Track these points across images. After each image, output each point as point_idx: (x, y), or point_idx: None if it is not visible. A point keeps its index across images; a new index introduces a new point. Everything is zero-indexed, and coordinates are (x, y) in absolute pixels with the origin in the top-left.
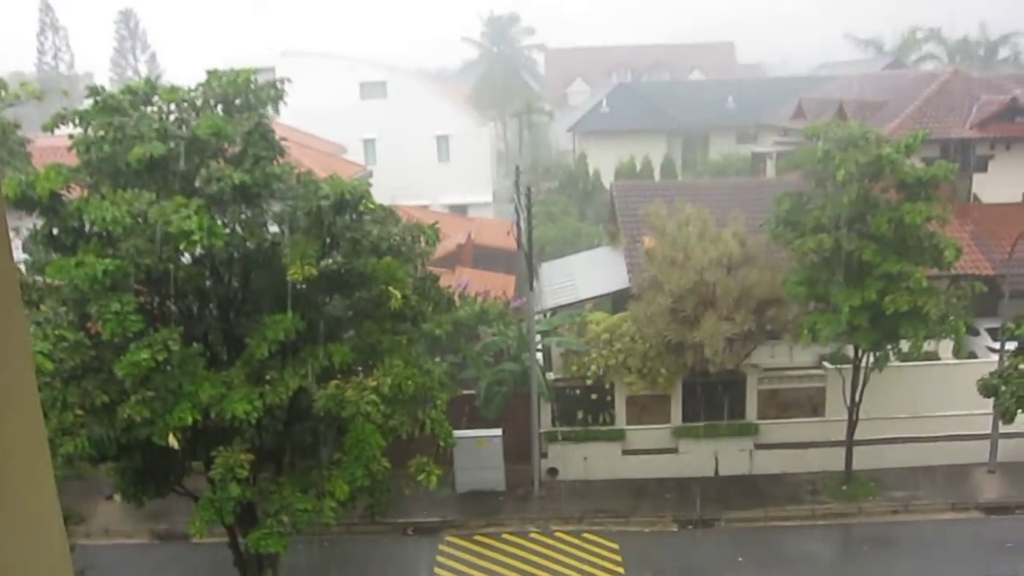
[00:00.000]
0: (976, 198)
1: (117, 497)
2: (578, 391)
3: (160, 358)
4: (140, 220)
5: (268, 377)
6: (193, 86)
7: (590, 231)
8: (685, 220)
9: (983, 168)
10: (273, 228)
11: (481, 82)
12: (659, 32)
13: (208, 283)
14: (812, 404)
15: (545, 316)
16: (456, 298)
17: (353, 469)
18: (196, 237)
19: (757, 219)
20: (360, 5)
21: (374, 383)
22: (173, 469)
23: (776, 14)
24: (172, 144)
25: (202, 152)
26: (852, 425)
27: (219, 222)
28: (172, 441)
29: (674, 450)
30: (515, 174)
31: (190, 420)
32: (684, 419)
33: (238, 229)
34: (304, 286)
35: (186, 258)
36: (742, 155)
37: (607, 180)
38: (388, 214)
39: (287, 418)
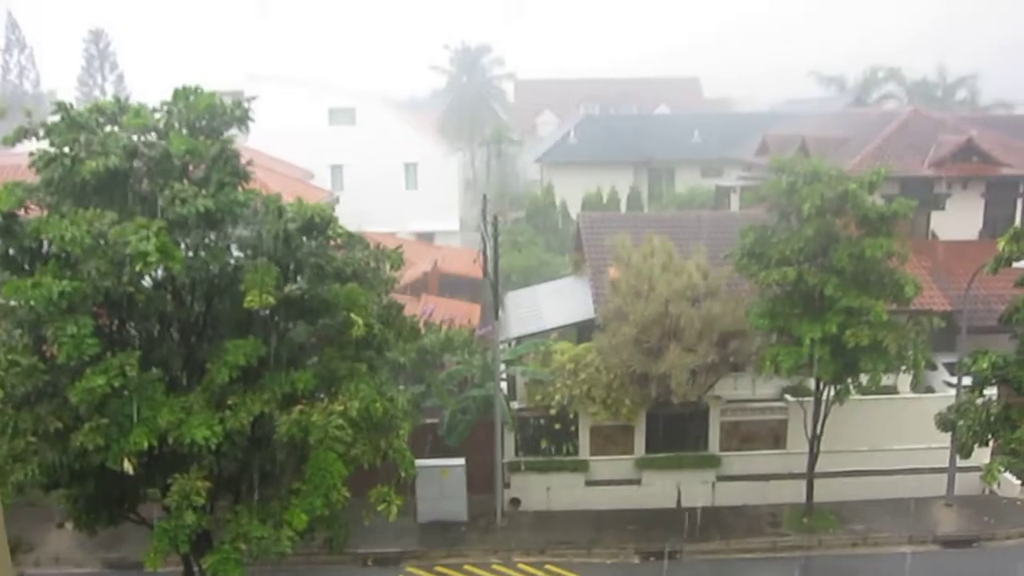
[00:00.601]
0: (934, 235)
1: (69, 525)
2: (542, 421)
3: (116, 384)
4: (101, 241)
5: (229, 402)
6: (158, 104)
7: (556, 261)
8: (650, 251)
9: (941, 206)
10: (237, 252)
11: (450, 110)
12: (626, 66)
13: (169, 306)
14: (774, 436)
15: (510, 345)
16: (421, 325)
17: (312, 499)
18: (152, 259)
19: (721, 251)
20: (331, 32)
21: (341, 407)
22: (128, 496)
23: (743, 51)
24: (137, 163)
25: (167, 173)
26: (813, 457)
27: (181, 244)
28: (127, 467)
29: (637, 481)
30: (482, 203)
31: (146, 445)
32: (647, 450)
33: (201, 253)
34: (267, 311)
35: (147, 281)
36: (707, 188)
37: (574, 210)
38: (355, 239)
39: (247, 445)
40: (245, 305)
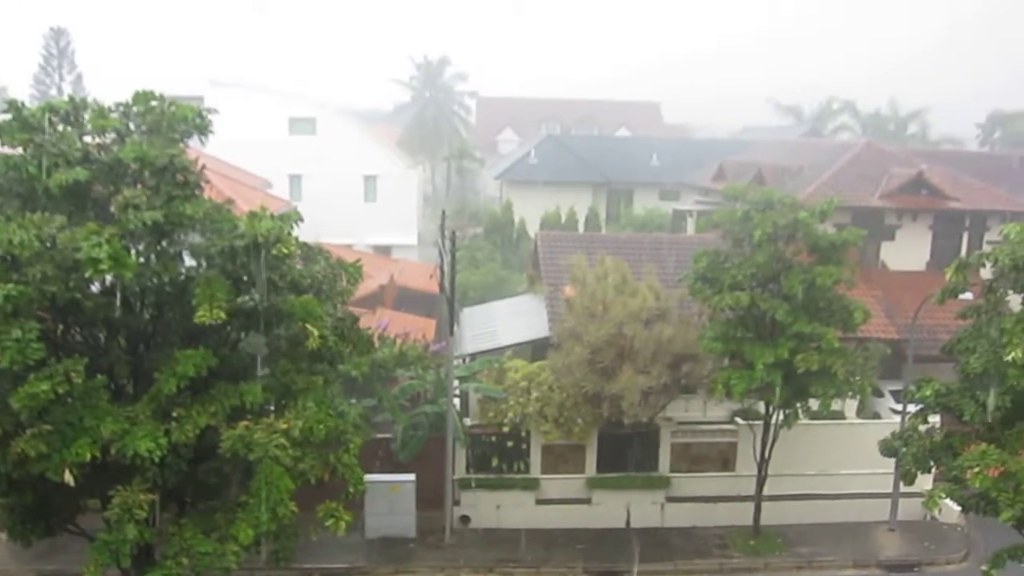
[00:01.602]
0: (884, 265)
1: (3, 535)
2: (494, 438)
3: (61, 391)
4: (48, 245)
5: (175, 414)
6: (113, 106)
7: (513, 278)
8: (605, 273)
9: (891, 237)
10: (190, 261)
11: (412, 124)
12: (588, 88)
13: (118, 313)
14: (723, 459)
15: (464, 361)
16: (375, 339)
17: (259, 513)
18: (104, 266)
19: (676, 274)
20: (295, 41)
21: (284, 426)
22: (67, 507)
23: (703, 79)
24: (93, 168)
25: (119, 178)
26: (761, 480)
27: (132, 251)
28: (68, 478)
29: (587, 501)
30: (441, 218)
31: (88, 456)
32: (598, 470)
33: (152, 261)
34: (218, 322)
35: (96, 287)
36: (664, 212)
37: (532, 229)
38: (313, 251)
39: (193, 457)
40: (196, 320)
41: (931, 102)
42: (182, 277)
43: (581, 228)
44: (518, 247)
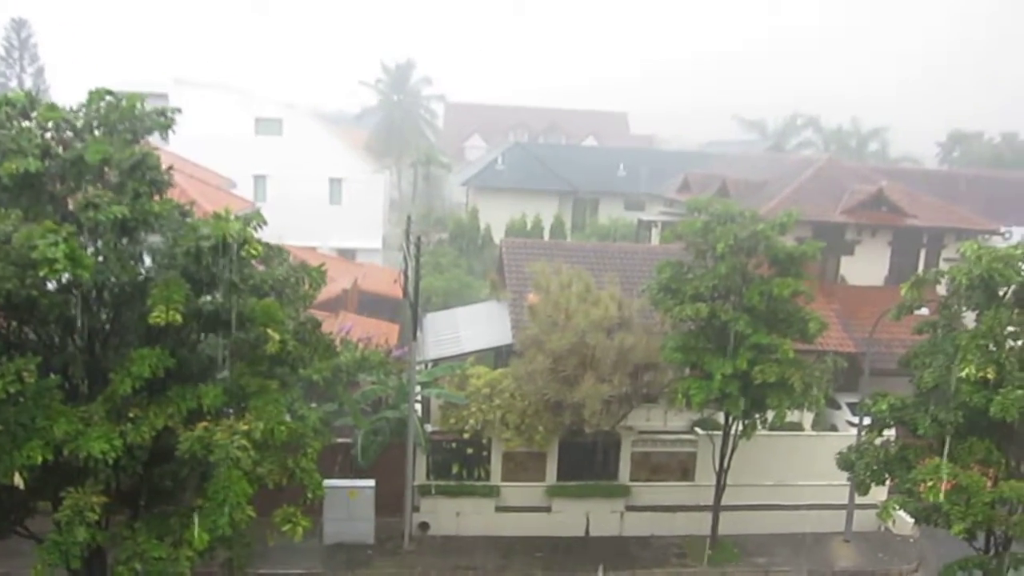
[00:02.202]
0: (843, 279)
1: None
2: (455, 445)
3: (12, 390)
4: (3, 241)
5: (131, 415)
6: (75, 106)
7: (478, 284)
8: (568, 281)
9: (850, 252)
10: (149, 261)
11: (379, 128)
12: (556, 96)
13: (74, 312)
14: (683, 468)
15: (427, 367)
16: (337, 343)
17: (215, 517)
18: (60, 266)
19: (639, 284)
20: (261, 42)
21: (245, 427)
22: (16, 509)
23: (670, 91)
24: (50, 163)
25: (80, 175)
26: (720, 490)
27: (90, 250)
28: (18, 480)
29: (547, 509)
30: (406, 222)
31: (40, 459)
32: (559, 478)
33: (111, 259)
34: (177, 323)
35: (53, 284)
36: (629, 221)
37: (498, 235)
38: (275, 253)
39: (148, 459)
40: (150, 321)
41: (892, 120)
42: (142, 277)
43: (546, 236)
44: (483, 253)
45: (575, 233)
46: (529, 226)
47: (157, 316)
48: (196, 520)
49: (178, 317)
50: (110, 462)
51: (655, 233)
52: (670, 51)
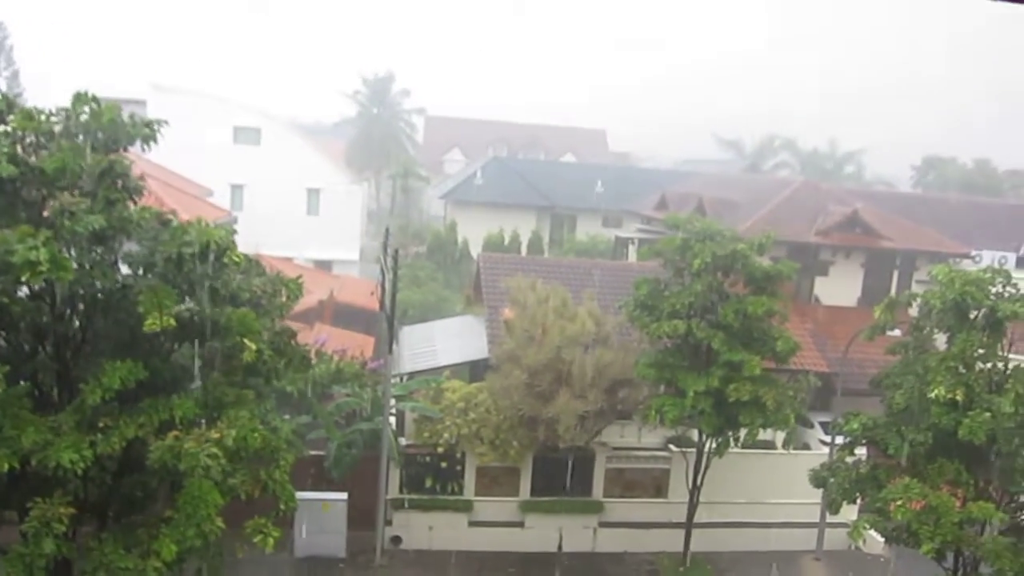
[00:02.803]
0: (817, 299)
1: None
2: (429, 458)
3: None
4: None
5: (101, 425)
6: (55, 109)
7: (454, 298)
8: (545, 296)
9: (825, 272)
10: (125, 269)
11: (358, 140)
12: (536, 112)
13: (46, 319)
14: (656, 485)
15: (402, 380)
16: (312, 355)
17: (184, 528)
18: (43, 268)
19: (616, 301)
20: (241, 49)
21: (217, 435)
22: None
23: (649, 109)
24: (23, 169)
25: (52, 183)
26: (692, 508)
27: (68, 255)
28: None
29: (520, 524)
30: (384, 235)
31: (7, 468)
32: (532, 493)
33: (87, 267)
34: (152, 332)
35: (24, 291)
36: (607, 238)
37: (476, 250)
38: (252, 264)
39: (118, 470)
40: (145, 329)
41: (868, 143)
42: (117, 285)
43: (524, 251)
44: (460, 268)
45: (553, 249)
46: (507, 241)
47: (151, 323)
48: (164, 531)
49: (172, 322)
50: (79, 472)
51: (632, 250)
52: (647, 68)
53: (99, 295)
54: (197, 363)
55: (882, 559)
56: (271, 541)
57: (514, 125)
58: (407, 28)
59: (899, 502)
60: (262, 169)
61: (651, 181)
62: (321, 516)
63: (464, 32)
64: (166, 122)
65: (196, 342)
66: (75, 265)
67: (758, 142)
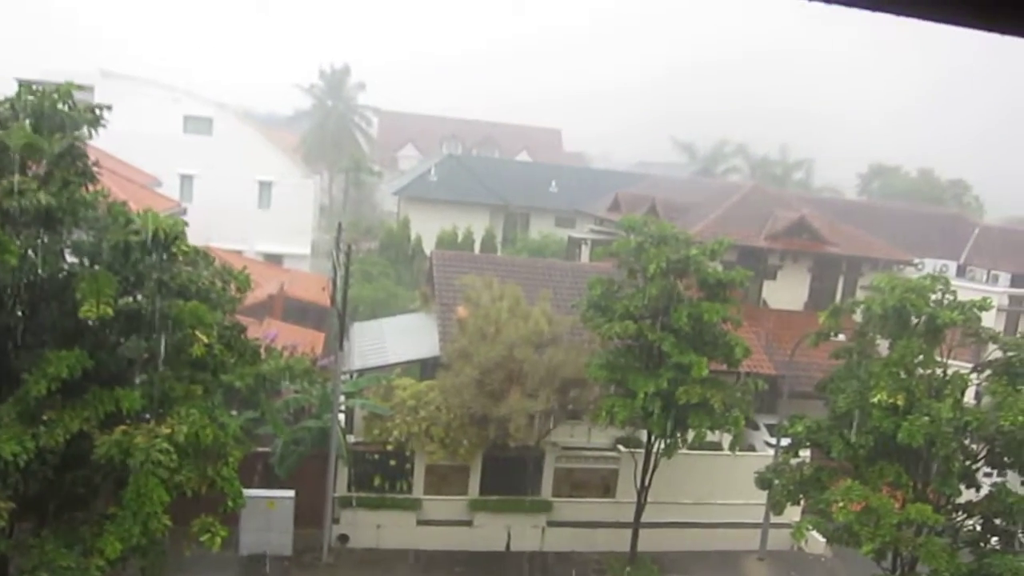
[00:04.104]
0: (765, 303)
1: None
2: (377, 456)
3: None
4: None
5: (45, 417)
6: (1, 98)
7: (406, 295)
8: (499, 295)
9: (773, 276)
10: (72, 258)
11: (311, 133)
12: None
13: None
14: (605, 485)
15: (352, 377)
16: (262, 350)
17: (129, 525)
18: None
19: (569, 301)
20: (195, 39)
21: (168, 430)
22: None
23: (603, 109)
24: None
25: (2, 166)
26: (640, 508)
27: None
28: None
29: (469, 523)
30: (337, 230)
31: None
32: (481, 492)
33: (32, 253)
34: (97, 323)
35: None
36: (560, 238)
37: (429, 247)
38: (200, 256)
39: (60, 464)
40: (81, 315)
41: (817, 152)
42: (62, 274)
43: (477, 249)
44: (413, 264)
45: (506, 247)
46: (460, 238)
47: (88, 310)
48: (108, 528)
49: (109, 311)
50: (20, 465)
51: (585, 250)
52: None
53: (44, 283)
54: (144, 356)
55: (823, 559)
56: (218, 540)
57: (469, 122)
58: (365, 22)
59: (841, 504)
60: (213, 160)
61: (604, 182)
62: (268, 514)
63: (419, 29)
64: (109, 107)
65: (143, 334)
66: (22, 251)
67: (711, 146)
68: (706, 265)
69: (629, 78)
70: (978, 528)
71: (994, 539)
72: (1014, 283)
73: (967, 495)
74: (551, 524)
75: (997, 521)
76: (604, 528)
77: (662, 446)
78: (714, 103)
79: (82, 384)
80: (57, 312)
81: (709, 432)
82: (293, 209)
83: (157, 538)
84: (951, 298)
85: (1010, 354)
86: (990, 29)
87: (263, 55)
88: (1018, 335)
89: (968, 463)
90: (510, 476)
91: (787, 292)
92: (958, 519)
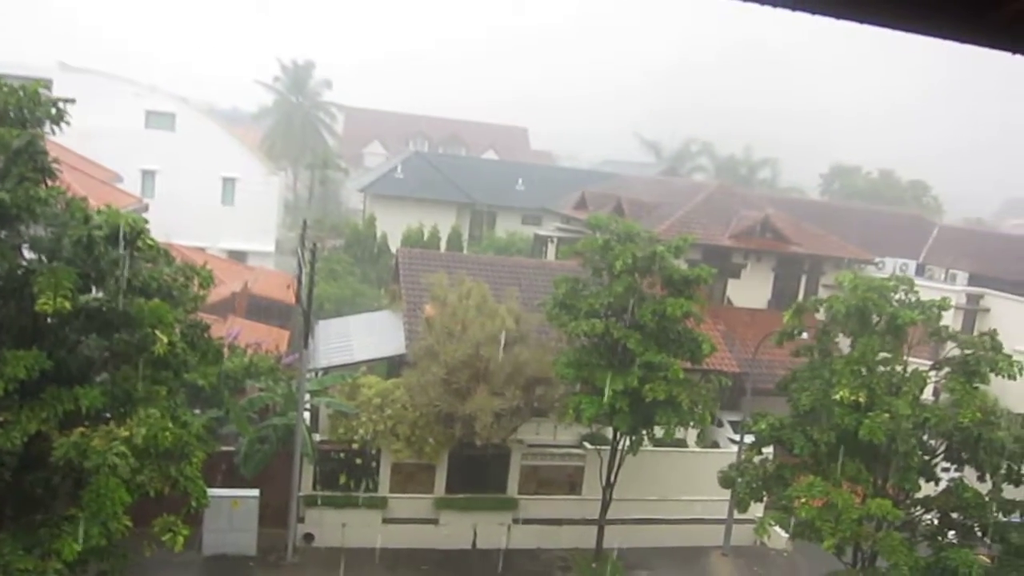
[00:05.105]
0: (729, 301)
1: None
2: (343, 455)
3: None
4: None
5: (1, 419)
6: None
7: (372, 293)
8: (465, 293)
9: (737, 275)
10: (30, 255)
11: (276, 129)
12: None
13: None
14: (571, 482)
15: (317, 375)
16: (225, 349)
17: (88, 527)
18: None
19: (535, 299)
20: (158, 33)
21: (126, 433)
22: None
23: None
24: None
25: None
26: (606, 505)
27: None
28: None
29: (435, 521)
30: (302, 227)
31: None
32: (447, 490)
33: None
34: (56, 321)
35: None
36: (526, 236)
37: (395, 244)
38: (161, 253)
39: (18, 466)
40: (37, 309)
41: (785, 151)
42: (21, 270)
43: (443, 247)
44: (379, 262)
45: (472, 245)
46: (426, 236)
47: (44, 303)
48: (66, 530)
49: (67, 305)
50: None
51: (551, 248)
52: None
53: (1, 281)
54: (104, 355)
55: (786, 554)
56: (180, 540)
57: (435, 119)
58: (333, 18)
59: (803, 500)
60: (176, 156)
61: (571, 181)
62: (231, 514)
63: (388, 26)
64: (72, 101)
65: (104, 333)
66: None
67: (678, 145)
68: (671, 263)
69: (597, 78)
70: (936, 522)
71: (951, 533)
72: (971, 282)
73: (925, 490)
74: (517, 522)
75: (954, 515)
76: (570, 525)
77: (628, 443)
78: (683, 104)
79: (40, 384)
80: (15, 310)
81: (675, 429)
82: (257, 206)
83: (117, 540)
84: (912, 298)
85: (967, 352)
86: (957, 40)
87: (229, 50)
88: (975, 333)
89: (927, 459)
90: (476, 474)
91: (751, 291)
92: (917, 514)
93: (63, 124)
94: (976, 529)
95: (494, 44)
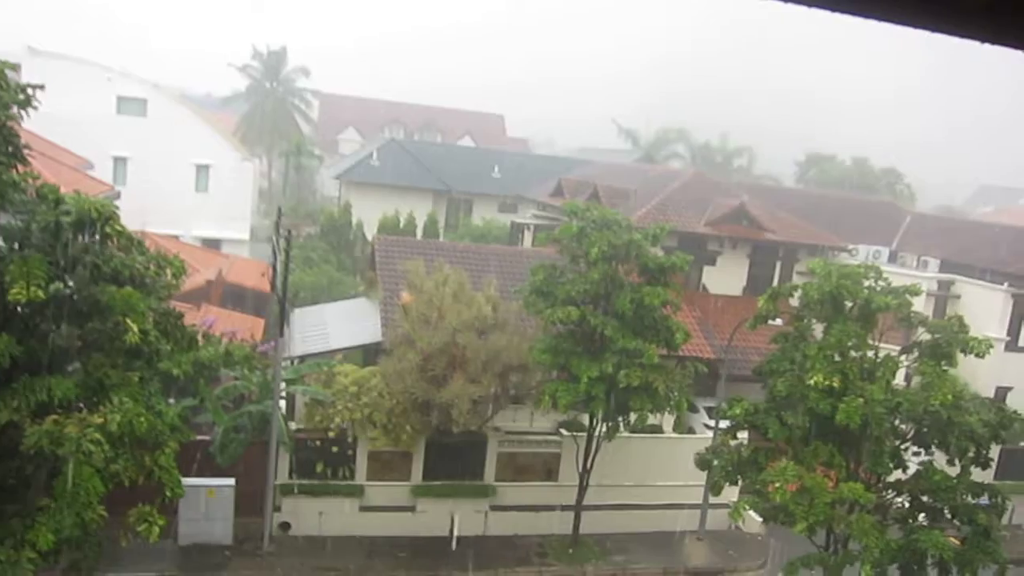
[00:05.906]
0: (705, 288)
1: None
2: (319, 443)
3: None
4: None
5: None
6: None
7: (348, 281)
8: (442, 280)
9: (712, 262)
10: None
11: (250, 115)
12: (433, 93)
13: None
14: (547, 469)
15: (293, 363)
16: (200, 337)
17: (62, 517)
18: None
19: (511, 286)
20: (128, 16)
21: (100, 420)
22: None
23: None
24: None
25: None
26: (582, 491)
27: None
28: None
29: (412, 508)
30: (277, 214)
31: None
32: (424, 477)
33: None
34: (27, 310)
35: None
36: (503, 223)
37: (371, 231)
38: (133, 241)
39: None
40: (10, 298)
41: (757, 140)
42: None
43: (419, 234)
44: (355, 249)
45: (448, 232)
46: (402, 223)
47: (17, 292)
48: (40, 520)
49: (40, 294)
50: None
51: (528, 236)
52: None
53: None
54: (75, 344)
55: (760, 538)
56: (156, 530)
57: (411, 106)
58: (308, 3)
59: (777, 484)
60: (148, 142)
61: (547, 168)
62: (207, 502)
63: (364, 12)
64: (41, 86)
65: (75, 321)
66: None
67: (654, 133)
68: (647, 250)
69: (574, 65)
70: (906, 505)
71: (921, 516)
72: (942, 268)
73: (896, 474)
74: (494, 508)
75: (924, 498)
76: (547, 511)
77: (604, 429)
78: (660, 91)
79: (11, 373)
80: None
81: (651, 415)
82: (231, 193)
83: (92, 529)
84: (884, 284)
85: (937, 336)
86: (947, 32)
87: (202, 35)
88: (946, 318)
89: (898, 443)
90: (453, 461)
91: (726, 277)
92: (888, 497)
93: (31, 109)
94: (945, 511)
95: (469, 30)
